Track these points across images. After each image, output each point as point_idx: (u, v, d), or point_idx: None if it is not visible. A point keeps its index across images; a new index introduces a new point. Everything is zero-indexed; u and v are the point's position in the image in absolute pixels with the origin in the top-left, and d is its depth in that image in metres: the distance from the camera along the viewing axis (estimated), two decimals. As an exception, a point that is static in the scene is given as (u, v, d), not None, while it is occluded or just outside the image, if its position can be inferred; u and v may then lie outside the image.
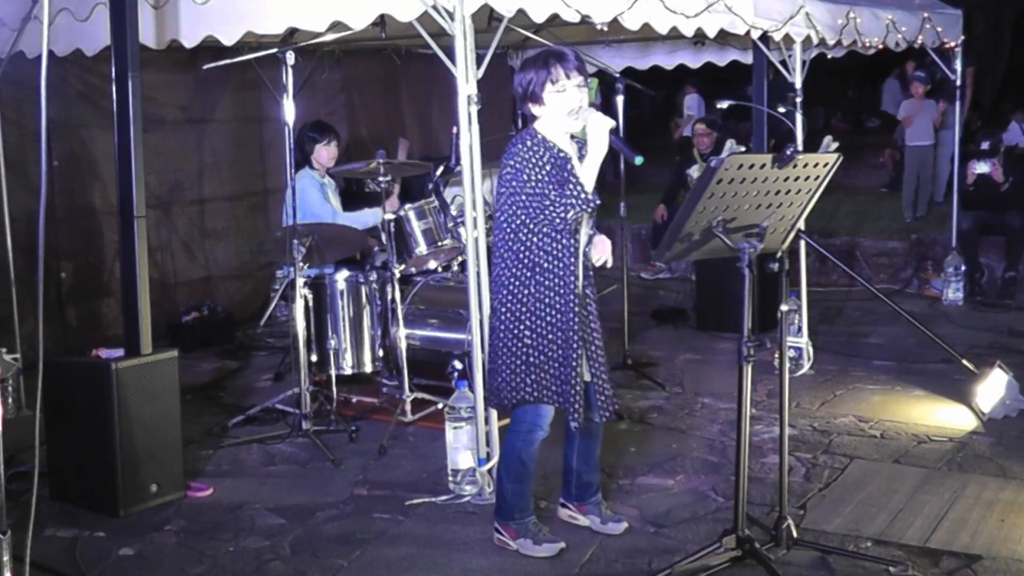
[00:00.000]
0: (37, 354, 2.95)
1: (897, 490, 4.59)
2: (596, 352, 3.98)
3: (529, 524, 4.04)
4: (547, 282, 3.80)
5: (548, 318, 3.82)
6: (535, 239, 3.79)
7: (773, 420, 5.44)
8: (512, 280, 3.85)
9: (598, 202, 3.77)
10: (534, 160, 3.73)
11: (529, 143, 3.76)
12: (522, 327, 3.84)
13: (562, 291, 3.81)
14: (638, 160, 3.72)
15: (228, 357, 7.33)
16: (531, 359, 3.84)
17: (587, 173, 3.75)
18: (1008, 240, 8.70)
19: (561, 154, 3.79)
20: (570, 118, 3.78)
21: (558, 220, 3.72)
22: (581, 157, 3.86)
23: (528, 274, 3.82)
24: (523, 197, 3.74)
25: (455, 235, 5.94)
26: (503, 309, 3.89)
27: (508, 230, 3.83)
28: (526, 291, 3.83)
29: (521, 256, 3.82)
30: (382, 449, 5.21)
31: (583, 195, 3.71)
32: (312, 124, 6.56)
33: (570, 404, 3.85)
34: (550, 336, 3.82)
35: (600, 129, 3.73)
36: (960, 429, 5.42)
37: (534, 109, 3.83)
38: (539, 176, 3.71)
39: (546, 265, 3.80)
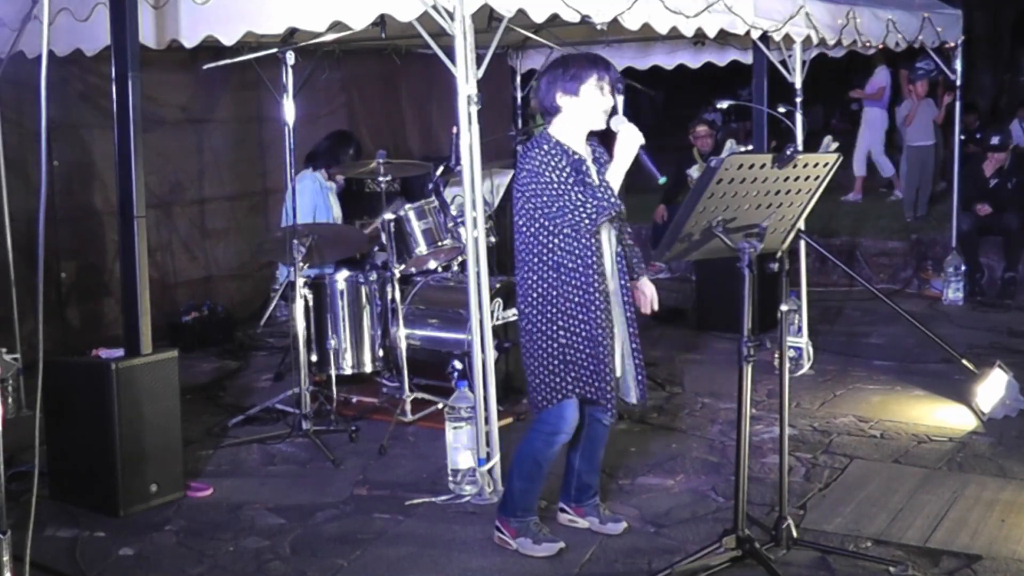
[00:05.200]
0: (37, 354, 2.95)
1: (897, 490, 4.59)
2: (630, 347, 4.01)
3: (530, 524, 4.05)
4: (573, 282, 3.82)
5: (579, 316, 3.83)
6: (556, 240, 3.81)
7: (773, 420, 5.44)
8: (540, 283, 3.86)
9: (622, 206, 3.82)
10: (553, 163, 3.76)
11: (546, 147, 3.79)
12: (556, 327, 3.84)
13: (587, 288, 3.82)
14: (662, 180, 3.85)
15: (228, 357, 7.33)
16: (568, 357, 3.84)
17: (615, 178, 3.79)
18: (1007, 240, 8.71)
19: (576, 156, 3.83)
20: (599, 116, 3.81)
21: (587, 221, 3.74)
22: (595, 160, 3.91)
23: (554, 275, 3.83)
24: (544, 199, 3.77)
25: (455, 235, 5.94)
26: (534, 312, 3.88)
27: (528, 234, 3.85)
28: (555, 292, 3.84)
29: (545, 258, 3.84)
30: (382, 449, 5.21)
31: (612, 198, 3.74)
32: (357, 144, 6.72)
33: (605, 398, 3.89)
34: (583, 334, 3.84)
35: (631, 142, 3.77)
36: (960, 429, 5.42)
37: (561, 99, 3.82)
38: (560, 178, 3.75)
39: (570, 265, 3.81)
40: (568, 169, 3.77)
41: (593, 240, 3.82)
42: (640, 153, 3.78)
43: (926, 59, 10.73)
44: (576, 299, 3.83)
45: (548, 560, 3.96)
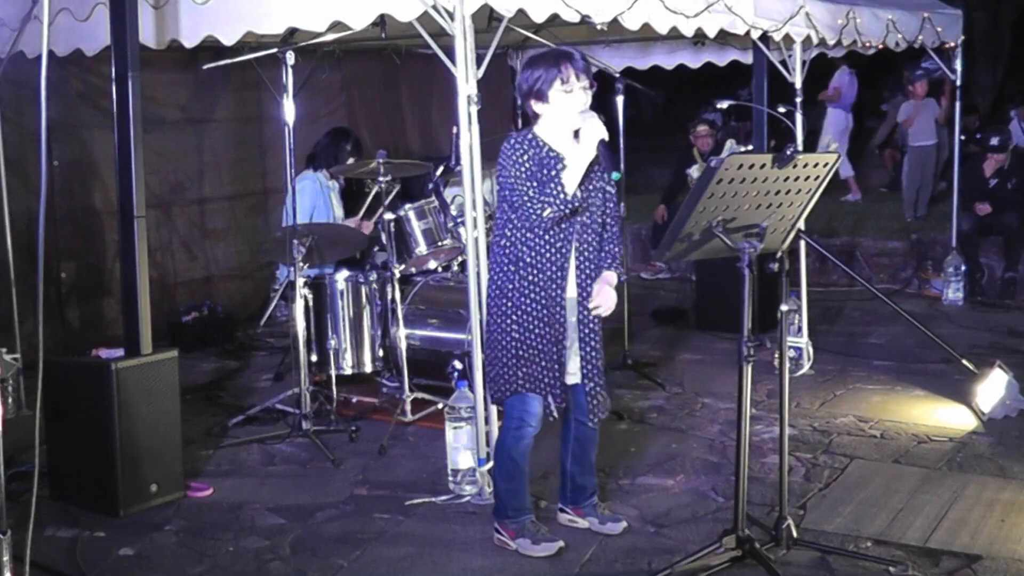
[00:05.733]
0: (37, 354, 2.95)
1: (897, 490, 4.59)
2: (591, 354, 3.96)
3: (527, 523, 4.05)
4: (531, 277, 3.82)
5: (535, 313, 3.83)
6: (519, 235, 3.82)
7: (773, 420, 5.44)
8: (500, 275, 3.88)
9: (576, 204, 3.77)
10: (515, 156, 3.77)
11: (513, 141, 3.81)
12: (509, 322, 3.86)
13: (546, 286, 3.82)
14: (615, 176, 3.80)
15: (228, 357, 7.33)
16: (520, 352, 3.85)
17: (570, 175, 3.75)
18: (1007, 240, 8.71)
19: (552, 154, 3.80)
20: (573, 117, 3.79)
21: (535, 217, 3.74)
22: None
23: (512, 269, 3.84)
24: (506, 191, 3.81)
25: (455, 235, 5.94)
26: (492, 304, 3.92)
27: (499, 226, 3.89)
28: (511, 286, 3.85)
29: (507, 251, 3.85)
30: (382, 449, 5.21)
31: (562, 195, 3.72)
32: (355, 139, 6.67)
33: (554, 396, 3.88)
34: (537, 331, 3.84)
35: (592, 136, 3.75)
36: (960, 429, 5.42)
37: (536, 106, 3.83)
38: (518, 173, 3.76)
39: (529, 260, 3.81)
40: (529, 164, 3.76)
41: (557, 238, 3.80)
42: (600, 148, 3.76)
43: (927, 59, 10.73)
44: (533, 295, 3.82)
45: (548, 560, 3.96)
